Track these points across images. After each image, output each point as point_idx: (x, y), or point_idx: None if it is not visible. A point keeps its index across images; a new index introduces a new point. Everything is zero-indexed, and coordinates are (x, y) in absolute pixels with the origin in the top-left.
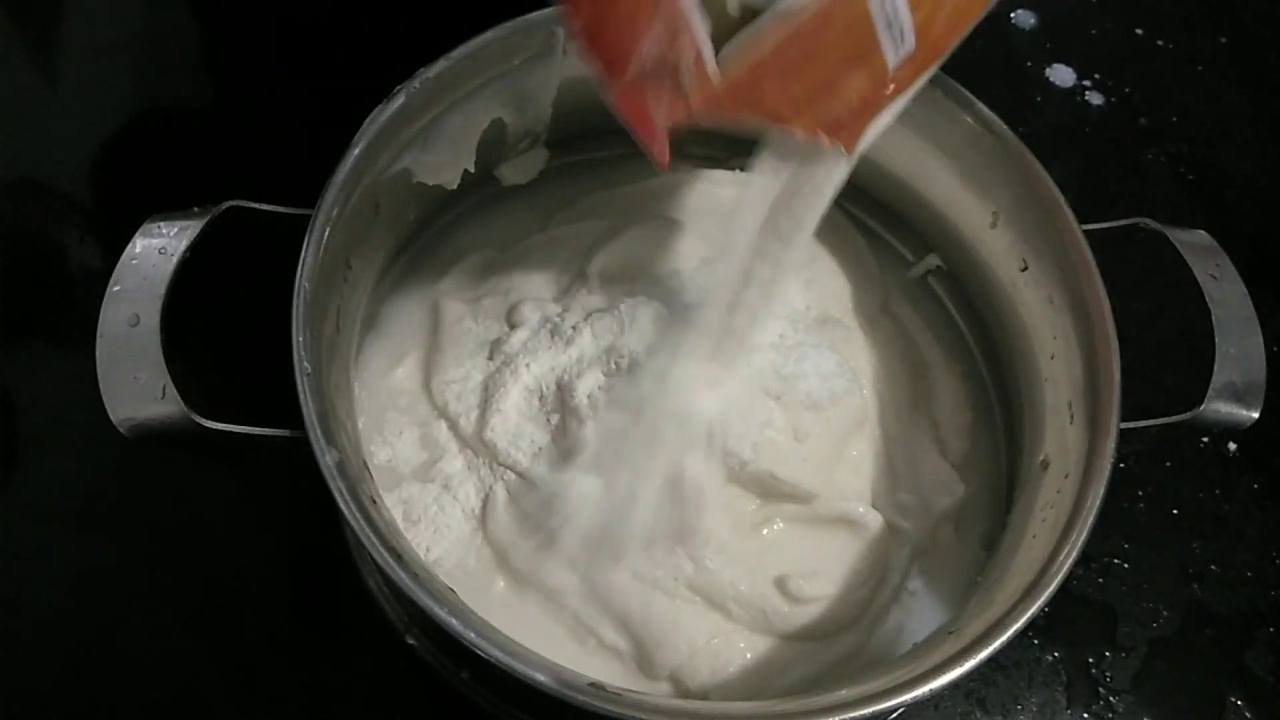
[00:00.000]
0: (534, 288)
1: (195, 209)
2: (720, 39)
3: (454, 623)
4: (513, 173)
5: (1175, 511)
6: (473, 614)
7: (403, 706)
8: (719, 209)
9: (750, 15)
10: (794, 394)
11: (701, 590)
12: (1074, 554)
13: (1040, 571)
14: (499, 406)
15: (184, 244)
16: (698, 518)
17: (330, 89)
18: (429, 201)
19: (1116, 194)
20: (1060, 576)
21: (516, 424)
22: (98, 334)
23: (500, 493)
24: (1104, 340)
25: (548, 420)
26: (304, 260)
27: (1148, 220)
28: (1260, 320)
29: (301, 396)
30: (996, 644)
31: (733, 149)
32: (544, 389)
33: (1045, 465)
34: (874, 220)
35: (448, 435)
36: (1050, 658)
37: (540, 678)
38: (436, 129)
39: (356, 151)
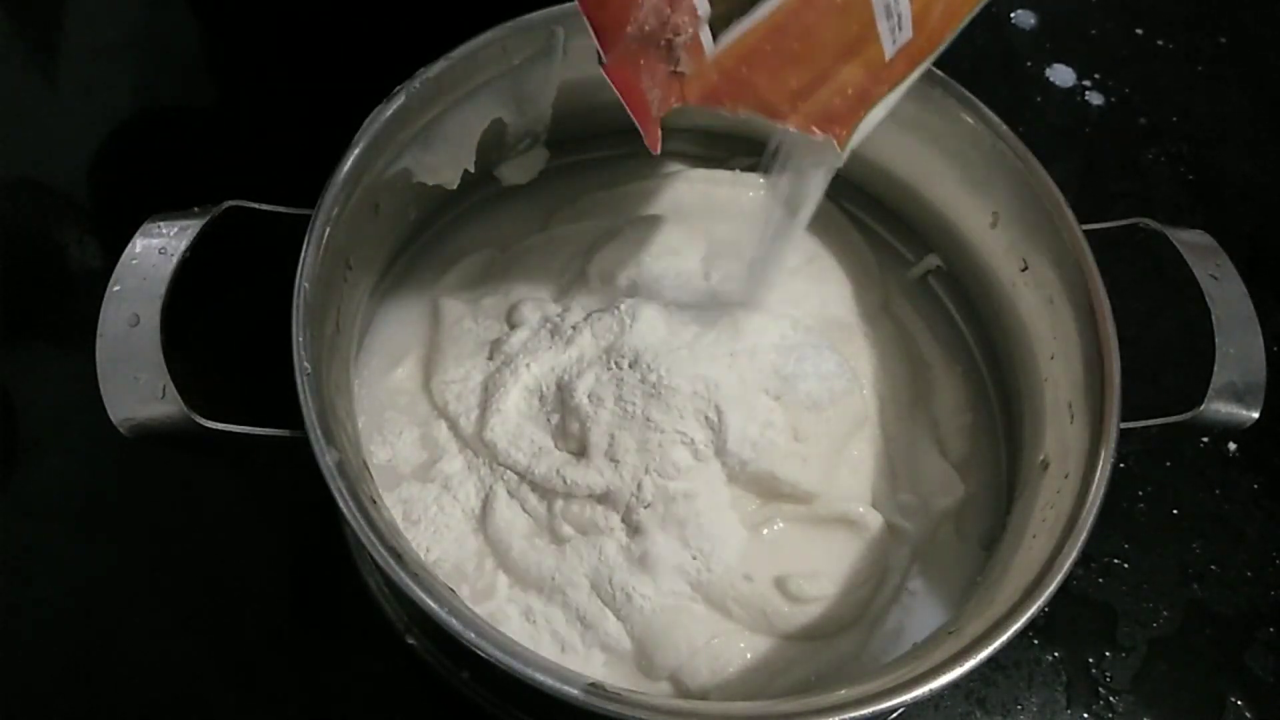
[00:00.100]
0: (534, 288)
1: (195, 209)
2: (721, 26)
3: (454, 623)
4: (513, 173)
5: (1175, 511)
6: (473, 614)
7: (403, 706)
8: (719, 209)
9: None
10: (794, 394)
11: (701, 590)
12: (1074, 554)
13: (1040, 571)
14: (499, 406)
15: (184, 244)
16: (699, 517)
17: (330, 89)
18: (429, 201)
19: (1116, 194)
20: (1060, 576)
21: (516, 424)
22: (98, 334)
23: (500, 493)
24: (1104, 340)
25: (548, 420)
26: (304, 260)
27: (1148, 220)
28: (1260, 320)
29: (301, 396)
30: (996, 644)
31: (733, 149)
32: (544, 389)
33: (1045, 465)
34: (874, 220)
35: (448, 435)
36: (1050, 658)
37: (540, 678)
38: (436, 129)
39: (356, 151)
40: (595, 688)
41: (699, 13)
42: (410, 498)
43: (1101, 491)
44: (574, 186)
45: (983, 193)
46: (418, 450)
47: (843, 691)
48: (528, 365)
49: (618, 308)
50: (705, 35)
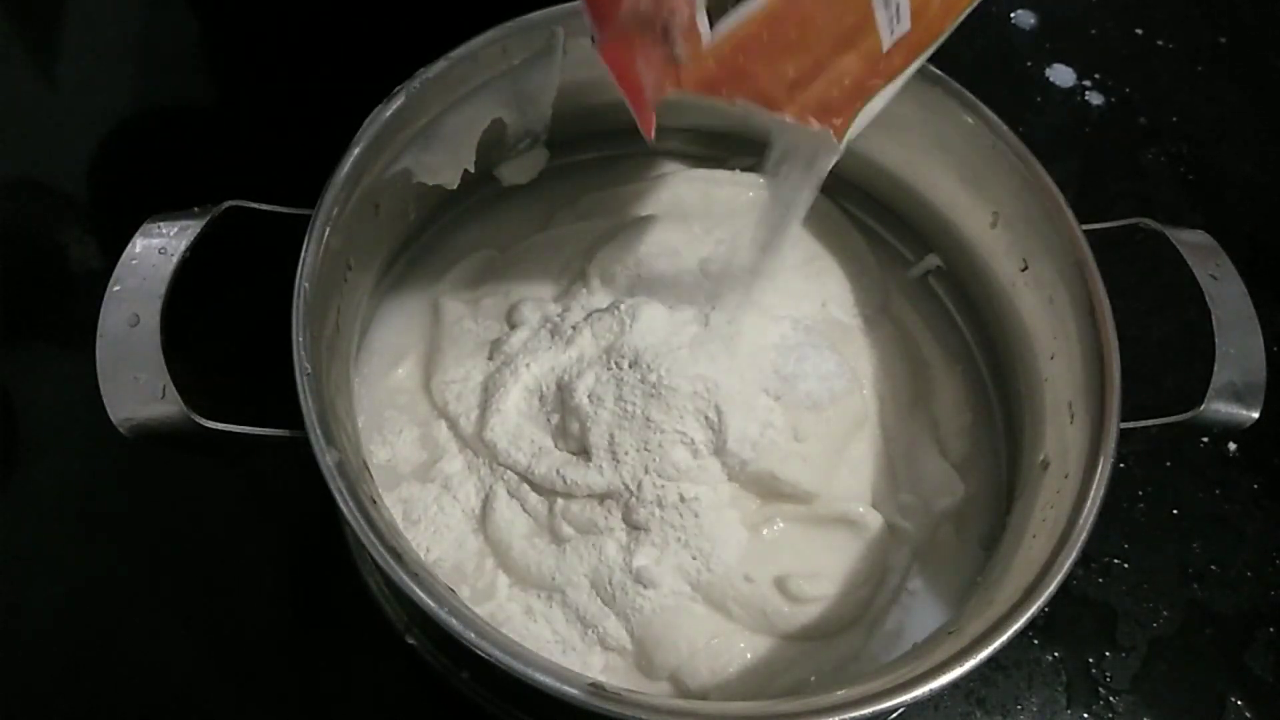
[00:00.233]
0: (534, 288)
1: (195, 209)
2: (718, 12)
3: (454, 623)
4: (513, 173)
5: (1175, 511)
6: (473, 614)
7: (403, 706)
8: (719, 209)
9: None
10: (794, 394)
11: (702, 590)
12: (1074, 554)
13: (1040, 571)
14: (499, 406)
15: (184, 244)
16: (699, 517)
17: (330, 89)
18: (429, 201)
19: (1116, 194)
20: (1060, 576)
21: (516, 424)
22: (98, 334)
23: (500, 493)
24: (1104, 340)
25: (548, 420)
26: (304, 260)
27: (1148, 220)
28: (1260, 320)
29: (301, 396)
30: (996, 644)
31: (733, 149)
32: (544, 389)
33: (1045, 465)
34: (874, 220)
35: (448, 435)
36: (1050, 658)
37: (540, 678)
38: (436, 129)
39: (356, 151)
40: (595, 688)
41: None
42: (410, 498)
43: (1101, 491)
44: (574, 186)
45: (983, 193)
46: (418, 450)
47: (843, 691)
48: (528, 365)
49: (618, 308)
50: (702, 21)
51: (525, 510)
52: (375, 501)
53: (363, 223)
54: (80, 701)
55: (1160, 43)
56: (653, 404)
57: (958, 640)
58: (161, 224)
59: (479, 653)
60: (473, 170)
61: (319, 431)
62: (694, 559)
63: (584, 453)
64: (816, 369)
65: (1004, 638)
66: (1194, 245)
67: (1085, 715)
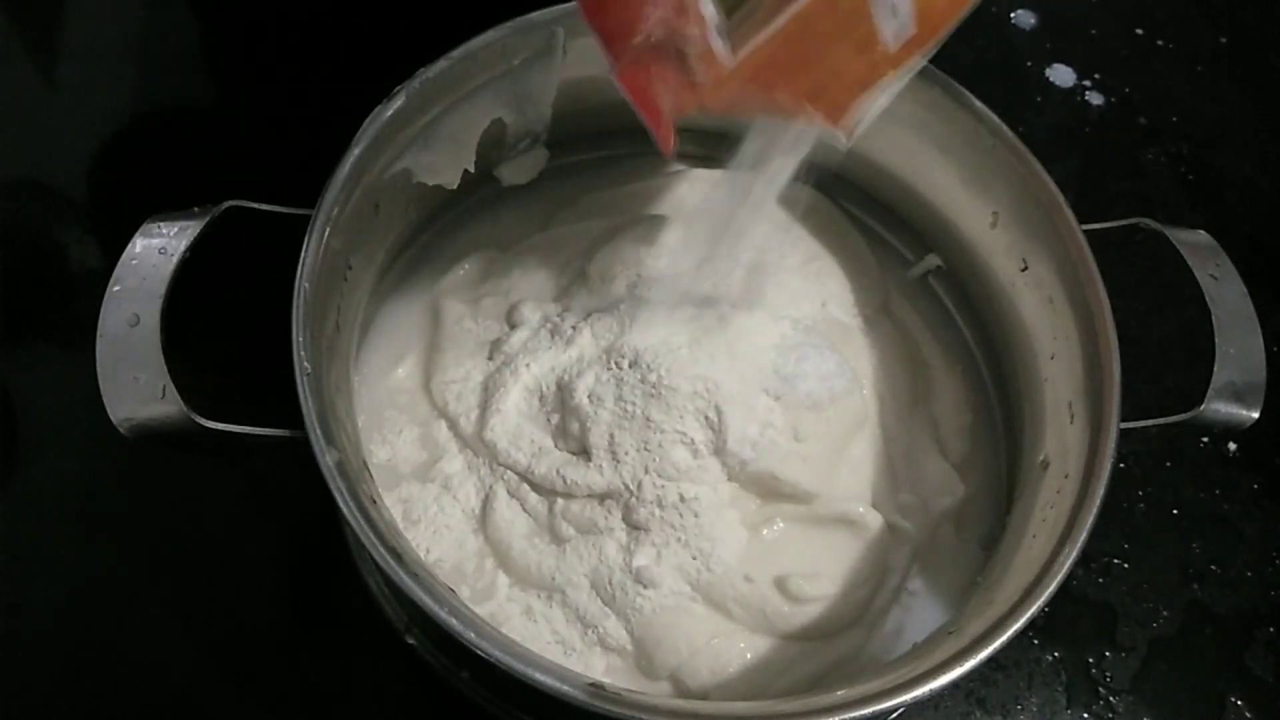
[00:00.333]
0: (534, 288)
1: (195, 209)
2: (734, 34)
3: (454, 623)
4: (513, 173)
5: (1175, 511)
6: (473, 614)
7: (403, 706)
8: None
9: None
10: (794, 394)
11: (702, 590)
12: (1074, 554)
13: (1040, 571)
14: (499, 406)
15: (184, 244)
16: (699, 517)
17: (330, 89)
18: (429, 201)
19: (1116, 194)
20: (1060, 576)
21: (516, 424)
22: (98, 334)
23: (500, 493)
24: (1104, 340)
25: (548, 420)
26: (304, 260)
27: (1148, 220)
28: (1260, 320)
29: (301, 396)
30: (996, 644)
31: (733, 149)
32: (544, 389)
33: (1045, 465)
34: (874, 220)
35: (448, 435)
36: (1050, 658)
37: (540, 678)
38: (436, 129)
39: (356, 151)
40: (595, 688)
41: (710, 22)
42: (410, 498)
43: (1101, 491)
44: (574, 186)
45: (983, 193)
46: (418, 450)
47: (843, 691)
48: (528, 365)
49: (618, 308)
50: (717, 43)
51: (525, 510)
52: (375, 501)
53: (363, 223)
54: (80, 701)
55: (1160, 43)
56: (653, 404)
57: (958, 640)
58: (161, 224)
59: (479, 653)
60: (473, 170)
61: (319, 431)
62: (694, 559)
63: (584, 453)
64: (816, 369)
65: (1004, 638)
66: (1194, 245)
67: (1085, 715)
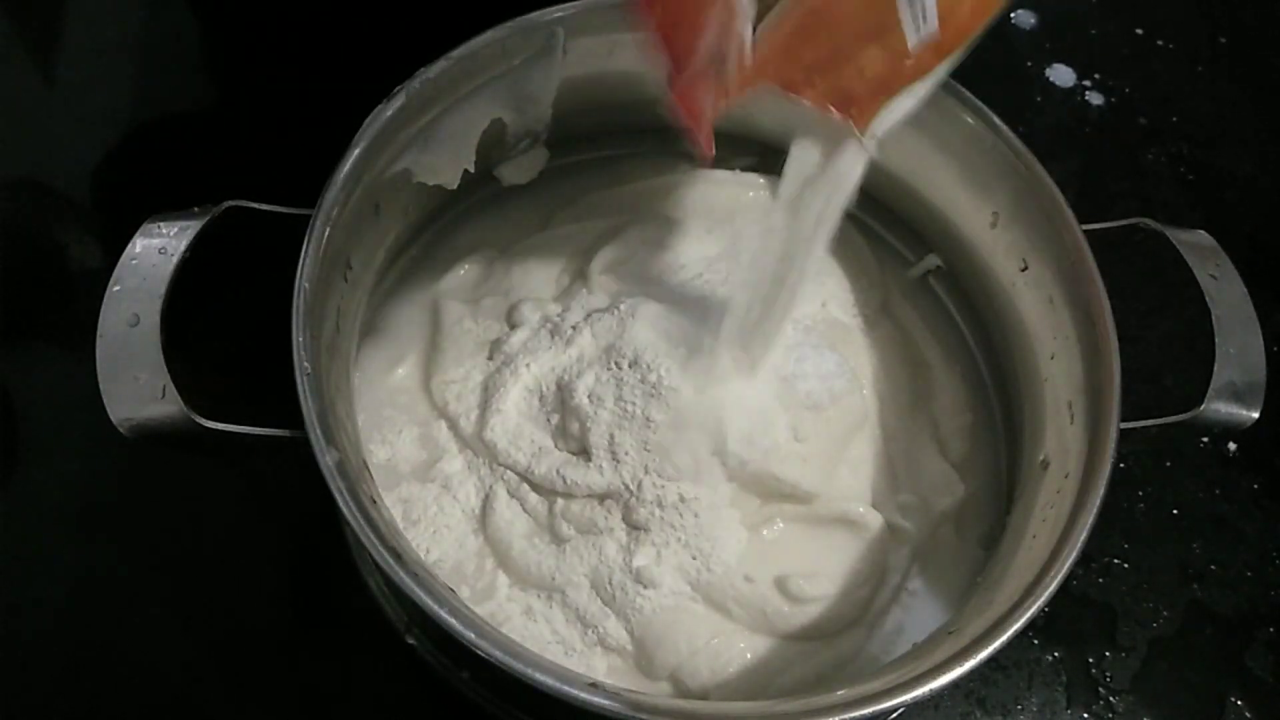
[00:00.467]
0: (534, 288)
1: (195, 209)
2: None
3: (454, 623)
4: (513, 173)
5: (1175, 511)
6: (473, 614)
7: (403, 706)
8: (719, 209)
9: None
10: (794, 394)
11: (702, 590)
12: (1074, 554)
13: (1040, 571)
14: (499, 406)
15: (184, 244)
16: (699, 517)
17: (330, 89)
18: (429, 201)
19: (1116, 194)
20: (1060, 576)
21: (516, 424)
22: (98, 334)
23: (500, 493)
24: (1104, 340)
25: (548, 420)
26: (304, 260)
27: (1148, 220)
28: (1260, 320)
29: (301, 396)
30: (996, 644)
31: (733, 149)
32: (544, 389)
33: (1045, 465)
34: (874, 220)
35: (447, 435)
36: (1050, 658)
37: (540, 678)
38: (436, 129)
39: (356, 151)
40: (595, 688)
41: (747, 16)
42: (410, 498)
43: (1101, 491)
44: (574, 186)
45: (983, 193)
46: (417, 450)
47: (843, 691)
48: (528, 365)
49: (618, 308)
50: (748, 35)
51: (525, 510)
52: (375, 501)
53: (363, 223)
54: (80, 701)
55: (1160, 43)
56: (653, 404)
57: (958, 640)
58: (161, 224)
59: (479, 653)
60: (473, 170)
61: (319, 431)
62: (694, 559)
63: (584, 453)
64: (816, 369)
65: (1004, 638)
66: (1194, 245)
67: (1085, 715)
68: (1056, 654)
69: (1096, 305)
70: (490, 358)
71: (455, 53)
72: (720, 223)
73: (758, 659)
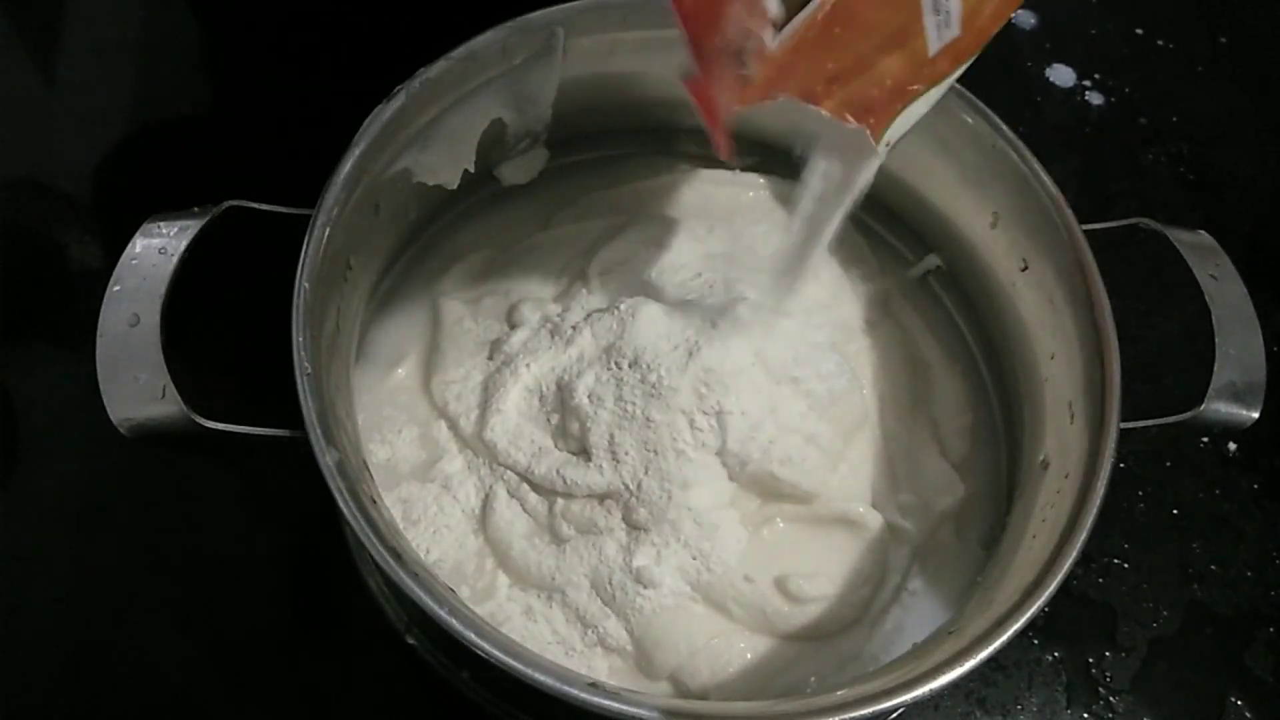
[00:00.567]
0: (534, 288)
1: (195, 209)
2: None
3: (454, 623)
4: (513, 173)
5: (1175, 511)
6: (473, 614)
7: (403, 706)
8: (719, 209)
9: None
10: (794, 394)
11: (702, 590)
12: (1074, 554)
13: (1040, 571)
14: (499, 406)
15: (184, 244)
16: (699, 517)
17: (330, 89)
18: (429, 201)
19: (1116, 194)
20: (1060, 576)
21: (516, 424)
22: (98, 334)
23: (500, 493)
24: (1104, 340)
25: (548, 420)
26: (304, 260)
27: (1148, 220)
28: (1260, 320)
29: (301, 396)
30: (996, 644)
31: (734, 149)
32: (544, 389)
33: (1045, 465)
34: (874, 220)
35: (447, 435)
36: (1050, 658)
37: (540, 678)
38: (436, 129)
39: (357, 151)
40: (595, 688)
41: (770, 15)
42: (410, 497)
43: (1101, 491)
44: (574, 186)
45: (983, 193)
46: (417, 450)
47: (843, 691)
48: (528, 365)
49: (618, 308)
50: (769, 36)
51: (525, 510)
52: (375, 501)
53: (363, 223)
54: (80, 701)
55: (1160, 43)
56: (653, 404)
57: (958, 640)
58: (161, 224)
59: (479, 653)
60: (473, 170)
61: (319, 431)
62: (694, 559)
63: (584, 453)
64: (816, 369)
65: (1004, 638)
66: (1194, 245)
67: (1085, 715)
68: (1056, 654)
69: (1097, 305)
70: (490, 358)
71: (455, 53)
72: (720, 223)
73: (758, 659)
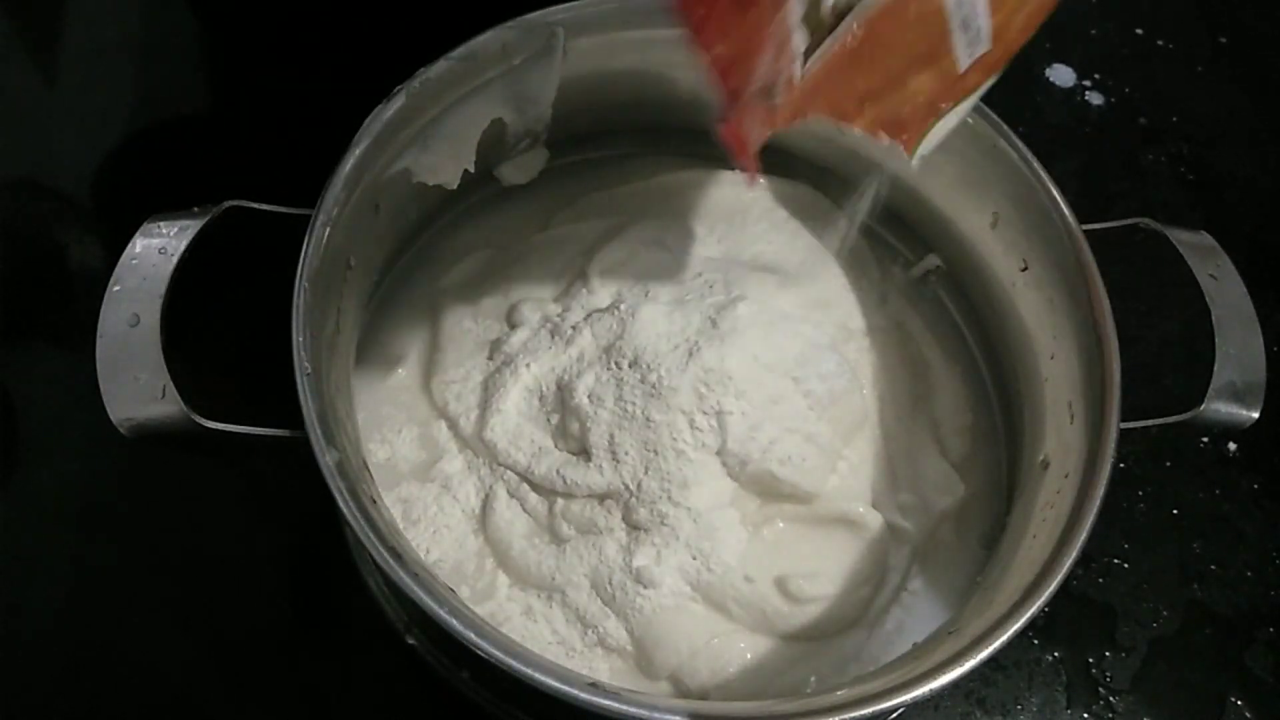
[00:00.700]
0: (534, 288)
1: (195, 209)
2: (810, 50)
3: (454, 623)
4: (513, 173)
5: (1175, 511)
6: (473, 614)
7: (403, 706)
8: (719, 209)
9: (841, 17)
10: (794, 394)
11: (702, 590)
12: (1074, 554)
13: (1040, 571)
14: (499, 406)
15: (184, 244)
16: (699, 517)
17: (330, 89)
18: (429, 201)
19: (1116, 194)
20: (1060, 576)
21: (516, 424)
22: (98, 334)
23: (500, 493)
24: (1104, 340)
25: (548, 420)
26: (304, 260)
27: (1148, 220)
28: (1260, 320)
29: (301, 396)
30: (996, 644)
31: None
32: (544, 389)
33: (1045, 465)
34: (874, 220)
35: (447, 435)
36: (1050, 658)
37: (540, 678)
38: (436, 129)
39: (357, 151)
40: (595, 688)
41: (798, 49)
42: (410, 497)
43: (1101, 491)
44: (574, 186)
45: (983, 193)
46: (417, 450)
47: (843, 691)
48: (528, 365)
49: (618, 307)
50: (798, 68)
51: (525, 510)
52: (375, 501)
53: (363, 222)
54: (80, 701)
55: (1160, 43)
56: (653, 404)
57: (958, 640)
58: (161, 224)
59: (479, 653)
60: (473, 170)
61: (319, 431)
62: (694, 559)
63: (584, 453)
64: (817, 369)
65: (1004, 638)
66: (1194, 245)
67: (1085, 715)
68: (1056, 654)
69: (1097, 305)
70: (490, 358)
71: (455, 53)
72: (720, 223)
73: (758, 659)
